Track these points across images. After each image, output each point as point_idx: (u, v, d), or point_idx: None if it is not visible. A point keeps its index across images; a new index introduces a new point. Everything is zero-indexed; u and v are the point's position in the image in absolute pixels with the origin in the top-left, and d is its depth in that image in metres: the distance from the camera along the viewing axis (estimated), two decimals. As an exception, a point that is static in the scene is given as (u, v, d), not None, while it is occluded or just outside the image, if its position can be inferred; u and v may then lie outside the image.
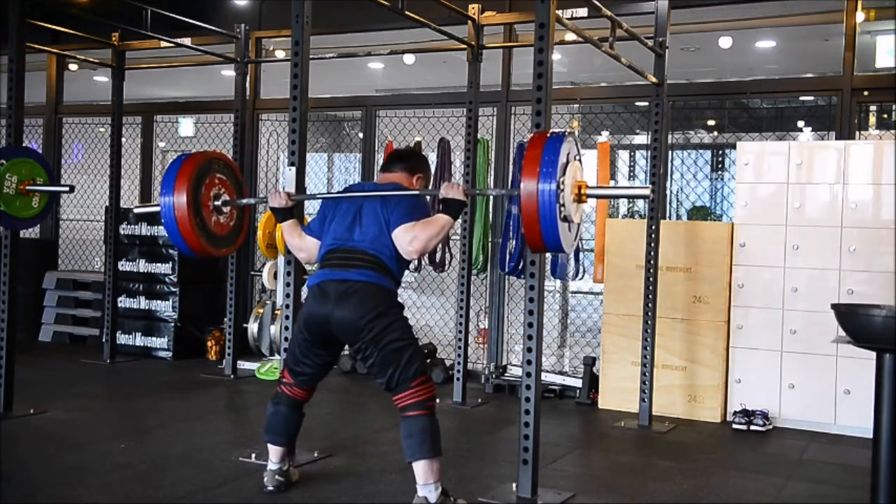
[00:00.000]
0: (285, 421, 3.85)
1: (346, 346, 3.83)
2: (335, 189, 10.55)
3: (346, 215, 3.74)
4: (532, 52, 3.91)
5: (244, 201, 4.29)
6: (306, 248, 3.88)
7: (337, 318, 3.59)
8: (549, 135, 3.43)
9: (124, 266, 7.57)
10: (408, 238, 3.59)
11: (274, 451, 3.88)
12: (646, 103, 6.74)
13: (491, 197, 6.90)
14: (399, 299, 3.74)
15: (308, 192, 5.15)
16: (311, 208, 5.82)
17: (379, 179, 4.02)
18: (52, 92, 8.95)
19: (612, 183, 7.97)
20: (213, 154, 4.23)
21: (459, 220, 6.17)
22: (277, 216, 4.02)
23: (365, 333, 3.57)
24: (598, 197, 3.80)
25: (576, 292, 7.80)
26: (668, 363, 5.85)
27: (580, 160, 3.55)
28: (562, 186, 3.31)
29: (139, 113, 8.61)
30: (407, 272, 4.15)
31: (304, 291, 3.84)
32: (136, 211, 4.64)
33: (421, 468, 3.54)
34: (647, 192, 3.79)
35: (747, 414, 5.53)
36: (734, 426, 5.53)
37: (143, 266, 7.66)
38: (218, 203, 4.14)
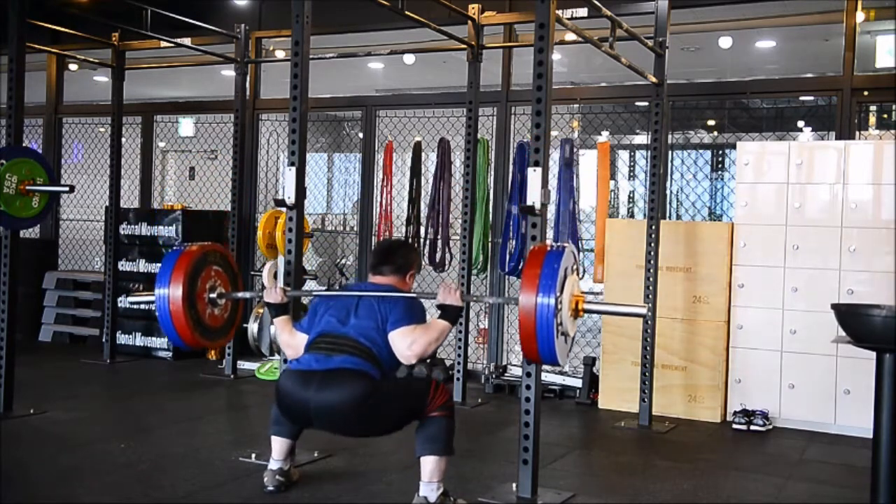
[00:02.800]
0: None
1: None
2: (335, 189, 10.56)
3: (341, 309, 3.70)
4: (532, 52, 3.91)
5: (240, 295, 4.25)
6: (295, 345, 3.79)
7: (316, 402, 3.50)
8: (548, 249, 3.44)
9: (124, 266, 7.56)
10: (407, 342, 3.56)
11: (278, 446, 3.87)
12: (646, 103, 6.74)
13: (491, 197, 6.89)
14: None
15: (308, 194, 5.14)
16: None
17: (371, 280, 3.91)
18: (52, 92, 8.95)
19: (612, 183, 8.01)
20: (210, 246, 4.19)
21: (459, 221, 6.20)
22: (271, 311, 3.94)
23: (352, 421, 3.54)
24: (594, 313, 3.85)
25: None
26: (668, 363, 5.85)
27: (578, 272, 3.57)
28: (560, 305, 3.32)
29: (139, 113, 8.61)
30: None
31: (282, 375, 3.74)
32: (130, 300, 4.67)
33: (429, 464, 3.55)
34: (643, 311, 3.85)
35: (747, 414, 5.53)
36: (734, 426, 5.53)
37: (143, 266, 7.65)
38: (213, 295, 4.09)
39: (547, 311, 3.28)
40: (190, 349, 4.18)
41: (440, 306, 3.67)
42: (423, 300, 3.82)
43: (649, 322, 5.50)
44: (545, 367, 6.37)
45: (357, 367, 3.52)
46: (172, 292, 3.88)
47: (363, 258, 7.47)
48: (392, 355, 3.62)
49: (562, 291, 3.34)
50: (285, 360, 4.25)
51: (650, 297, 5.49)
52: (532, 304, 3.30)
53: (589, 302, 3.56)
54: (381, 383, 3.56)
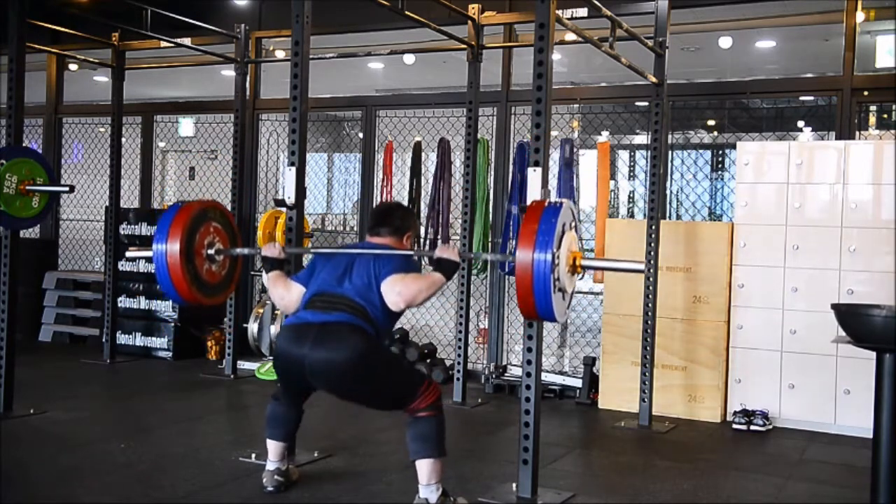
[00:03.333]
0: (285, 417, 3.86)
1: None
2: (335, 189, 10.56)
3: (338, 267, 3.71)
4: (532, 52, 3.91)
5: (237, 251, 4.25)
6: (290, 298, 3.78)
7: (312, 359, 3.50)
8: (546, 204, 3.43)
9: (124, 266, 7.57)
10: (397, 288, 3.56)
11: (273, 448, 3.87)
12: (646, 103, 6.74)
13: (491, 197, 6.89)
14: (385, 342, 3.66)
15: (308, 194, 5.15)
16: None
17: (368, 240, 3.94)
18: (52, 92, 8.95)
19: (612, 183, 8.01)
20: (210, 203, 4.19)
21: (459, 221, 6.20)
22: (266, 266, 3.93)
23: (347, 379, 3.52)
24: (592, 269, 3.85)
25: (576, 292, 7.78)
26: (668, 363, 5.84)
27: (576, 228, 3.56)
28: (557, 260, 3.31)
29: (139, 113, 8.61)
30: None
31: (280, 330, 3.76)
32: (127, 255, 4.65)
33: (425, 467, 3.55)
34: (641, 266, 3.84)
35: (747, 414, 5.53)
36: (734, 426, 5.53)
37: (143, 266, 7.65)
38: (211, 251, 4.08)
39: (544, 266, 3.28)
40: (187, 304, 4.14)
41: (437, 260, 3.66)
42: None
43: (649, 322, 5.50)
44: (545, 367, 6.39)
45: (352, 322, 3.52)
46: (170, 247, 3.86)
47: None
48: (386, 314, 3.61)
49: (559, 247, 3.33)
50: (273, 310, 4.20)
51: (650, 296, 5.49)
52: (529, 259, 3.29)
53: (587, 258, 3.53)
54: (377, 343, 3.58)
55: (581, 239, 6.67)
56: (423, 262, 4.10)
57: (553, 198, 6.15)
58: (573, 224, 3.53)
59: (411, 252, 3.83)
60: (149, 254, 3.99)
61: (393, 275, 3.59)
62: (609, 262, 4.38)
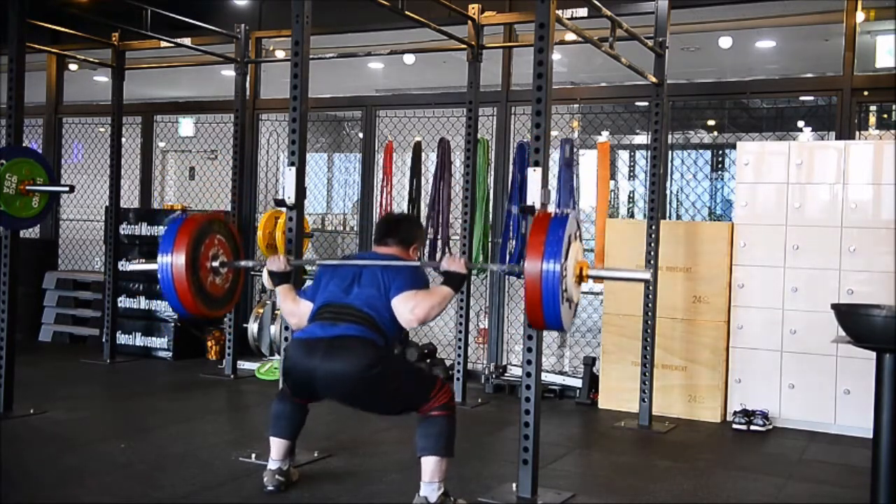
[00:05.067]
0: (291, 416, 3.86)
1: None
2: (335, 189, 10.56)
3: (345, 278, 3.72)
4: (532, 52, 3.91)
5: (242, 263, 4.27)
6: (300, 313, 3.80)
7: (323, 372, 3.51)
8: (552, 216, 3.46)
9: (124, 266, 7.56)
10: (409, 306, 3.57)
11: (276, 446, 3.87)
12: (646, 103, 6.74)
13: (491, 197, 6.89)
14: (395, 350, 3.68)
15: (308, 194, 5.15)
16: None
17: (375, 250, 3.95)
18: (52, 92, 8.95)
19: (612, 183, 8.00)
20: (214, 215, 4.22)
21: (459, 220, 6.20)
22: (274, 280, 3.95)
23: (358, 390, 3.53)
24: (598, 278, 3.90)
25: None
26: (668, 363, 5.84)
27: (580, 238, 3.59)
28: (565, 272, 3.34)
29: (139, 113, 8.61)
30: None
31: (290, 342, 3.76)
32: (130, 268, 4.66)
33: (430, 464, 3.55)
34: (647, 276, 3.85)
35: (747, 414, 5.53)
36: (734, 426, 5.53)
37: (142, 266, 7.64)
38: (216, 264, 4.10)
39: (552, 278, 3.31)
40: (191, 317, 4.16)
41: (444, 272, 3.68)
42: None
43: (649, 322, 5.50)
44: (545, 367, 6.38)
45: (361, 335, 3.54)
46: (175, 259, 3.89)
47: (363, 258, 7.46)
48: (394, 323, 3.63)
49: (566, 258, 3.36)
50: (286, 328, 4.25)
51: (650, 296, 5.48)
52: (538, 272, 3.32)
53: (593, 268, 3.58)
54: (387, 353, 3.59)
55: (581, 239, 6.69)
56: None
57: (553, 197, 6.20)
58: (578, 234, 3.56)
59: (418, 263, 3.83)
60: (151, 267, 3.99)
61: (405, 292, 3.59)
62: (614, 272, 4.41)
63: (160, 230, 7.55)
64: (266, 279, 6.95)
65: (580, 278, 3.54)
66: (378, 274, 3.67)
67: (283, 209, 4.48)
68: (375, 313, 3.59)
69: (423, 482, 3.56)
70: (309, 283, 3.98)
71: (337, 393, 3.61)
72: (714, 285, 5.78)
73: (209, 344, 7.53)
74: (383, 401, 3.65)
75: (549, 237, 3.36)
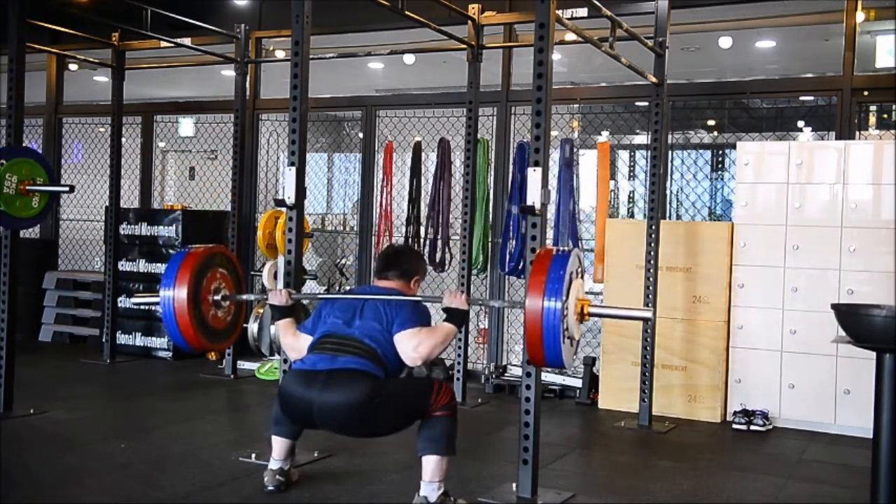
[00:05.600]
0: None
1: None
2: (335, 189, 10.55)
3: (346, 311, 3.71)
4: (532, 52, 3.91)
5: (244, 297, 4.27)
6: (299, 347, 3.79)
7: (320, 403, 3.49)
8: (554, 253, 3.44)
9: (124, 266, 7.56)
10: (412, 343, 3.56)
11: (278, 446, 3.87)
12: (646, 103, 6.74)
13: (491, 197, 6.89)
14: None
15: (308, 194, 5.15)
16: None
17: (375, 284, 3.96)
18: (52, 92, 8.95)
19: (612, 183, 8.00)
20: (216, 249, 4.21)
21: (459, 220, 6.20)
22: (276, 314, 3.95)
23: (357, 422, 3.53)
24: (599, 316, 3.87)
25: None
26: (668, 363, 5.84)
27: (583, 275, 3.57)
28: (566, 310, 3.32)
29: (139, 113, 8.61)
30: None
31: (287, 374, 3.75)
32: (133, 301, 4.64)
33: (431, 464, 3.55)
34: (648, 314, 3.85)
35: (747, 414, 5.53)
36: (734, 426, 5.53)
37: (143, 266, 7.65)
38: (218, 297, 4.09)
39: (553, 317, 3.29)
40: (193, 351, 4.16)
41: (446, 310, 3.67)
42: (428, 304, 3.82)
43: (650, 322, 5.50)
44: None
45: (361, 368, 3.52)
46: (177, 293, 3.88)
47: (363, 258, 7.47)
48: (396, 356, 3.61)
49: (567, 296, 3.34)
50: (285, 361, 4.24)
51: (650, 296, 5.48)
52: (539, 310, 3.30)
53: (594, 306, 3.56)
54: (385, 384, 3.55)
55: (581, 239, 6.70)
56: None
57: (553, 197, 6.19)
58: (580, 271, 3.53)
59: (420, 298, 3.82)
60: (156, 300, 3.98)
61: (408, 329, 3.59)
62: (616, 311, 4.38)
63: (160, 230, 7.56)
64: (266, 279, 7.00)
65: (581, 316, 3.51)
66: (381, 308, 3.66)
67: (283, 209, 4.48)
68: (378, 346, 3.58)
69: (424, 482, 3.56)
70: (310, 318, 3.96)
71: (334, 424, 3.60)
72: (714, 285, 5.78)
73: (209, 344, 7.52)
74: (387, 425, 3.64)
75: (550, 275, 3.33)
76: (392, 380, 3.60)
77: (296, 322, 3.93)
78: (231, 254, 4.32)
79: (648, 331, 5.51)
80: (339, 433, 3.74)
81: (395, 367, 3.65)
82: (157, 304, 3.98)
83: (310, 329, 3.80)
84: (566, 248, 3.50)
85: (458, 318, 3.67)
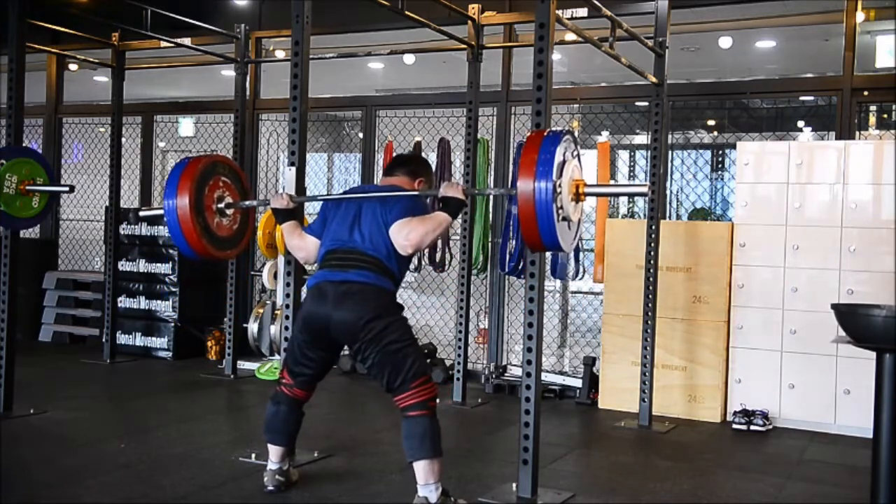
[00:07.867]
0: (285, 420, 3.85)
1: (346, 347, 3.82)
2: (336, 190, 10.55)
3: (347, 216, 3.75)
4: (532, 52, 3.91)
5: (246, 203, 4.31)
6: (306, 247, 3.86)
7: (336, 319, 3.58)
8: (545, 134, 3.44)
9: (124, 266, 7.57)
10: (404, 232, 3.59)
11: (274, 451, 3.88)
12: (646, 103, 6.74)
13: (491, 197, 6.90)
14: (399, 300, 3.74)
15: (308, 193, 5.16)
16: (312, 209, 5.83)
17: (381, 182, 4.04)
18: (52, 92, 8.95)
19: (611, 182, 7.99)
20: (218, 157, 4.26)
21: (459, 220, 6.19)
22: (278, 217, 4.02)
23: (363, 334, 3.56)
24: (596, 195, 3.83)
25: (576, 292, 7.80)
26: (668, 363, 5.85)
27: (579, 158, 3.55)
28: (559, 188, 3.31)
29: (139, 113, 8.61)
30: (407, 272, 4.14)
31: (304, 292, 3.84)
32: (141, 214, 4.67)
33: (422, 468, 3.54)
34: (644, 189, 3.80)
35: (747, 414, 5.53)
36: (734, 426, 5.53)
37: (143, 266, 7.66)
38: (221, 205, 4.15)
39: (545, 195, 3.28)
40: (201, 258, 4.18)
41: (442, 199, 3.67)
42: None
43: (649, 322, 5.50)
44: (545, 367, 6.39)
45: (370, 281, 3.58)
46: (179, 201, 3.93)
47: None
48: (398, 259, 3.65)
49: (560, 175, 3.33)
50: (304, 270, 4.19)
51: (650, 296, 5.49)
52: (530, 189, 3.29)
53: (589, 185, 3.53)
54: (394, 299, 3.65)
55: (581, 239, 6.70)
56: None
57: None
58: (575, 153, 3.51)
59: (416, 192, 3.84)
60: (161, 211, 4.06)
61: (400, 219, 3.62)
62: (612, 188, 4.26)
63: (160, 230, 7.56)
64: (267, 279, 7.00)
65: (577, 196, 3.48)
66: (377, 209, 3.69)
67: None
68: (380, 254, 3.63)
69: (420, 485, 3.56)
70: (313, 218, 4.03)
71: (348, 337, 3.63)
72: (714, 285, 5.78)
73: (209, 344, 7.53)
74: (379, 352, 3.57)
75: (540, 155, 3.32)
76: (404, 321, 3.65)
77: (300, 225, 3.99)
78: (234, 163, 4.38)
79: (648, 331, 5.51)
80: (349, 345, 3.69)
81: (399, 271, 3.70)
82: (162, 216, 4.05)
83: (316, 231, 3.84)
84: (559, 130, 3.48)
85: (453, 206, 3.65)
